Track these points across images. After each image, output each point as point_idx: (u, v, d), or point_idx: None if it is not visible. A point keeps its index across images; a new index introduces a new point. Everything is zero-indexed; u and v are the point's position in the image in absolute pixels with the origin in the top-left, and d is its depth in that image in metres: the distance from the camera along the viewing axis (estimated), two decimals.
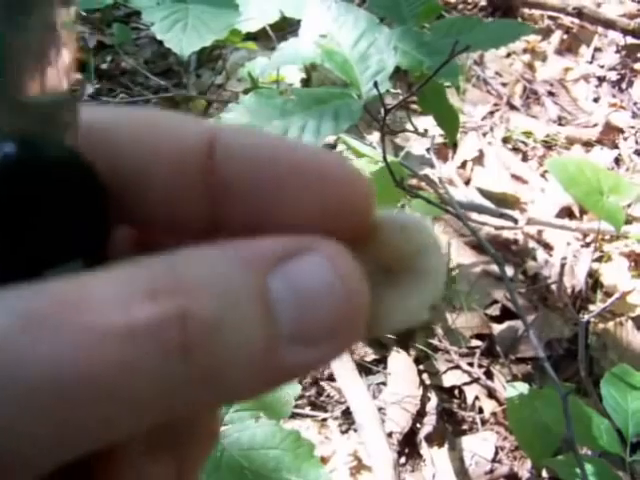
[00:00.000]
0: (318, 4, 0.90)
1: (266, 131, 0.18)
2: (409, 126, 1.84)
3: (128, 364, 0.16)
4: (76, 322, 0.16)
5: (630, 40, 2.40)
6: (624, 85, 2.30)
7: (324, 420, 1.34)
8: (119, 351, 0.16)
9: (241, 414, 1.02)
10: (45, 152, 0.19)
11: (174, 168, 0.21)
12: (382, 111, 0.86)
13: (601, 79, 2.32)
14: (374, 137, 1.81)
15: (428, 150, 1.85)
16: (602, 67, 2.37)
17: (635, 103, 2.21)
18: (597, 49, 2.45)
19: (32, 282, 0.17)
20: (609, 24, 2.37)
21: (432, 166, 1.75)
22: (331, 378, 1.37)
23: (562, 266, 0.94)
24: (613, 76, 2.33)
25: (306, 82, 1.61)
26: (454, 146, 1.95)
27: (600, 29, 2.46)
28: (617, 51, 2.42)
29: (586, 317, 1.12)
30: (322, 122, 0.80)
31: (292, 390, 1.04)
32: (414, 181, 1.60)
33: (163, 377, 0.17)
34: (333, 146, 1.54)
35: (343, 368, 1.00)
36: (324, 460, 1.26)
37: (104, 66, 2.14)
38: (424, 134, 1.34)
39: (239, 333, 0.17)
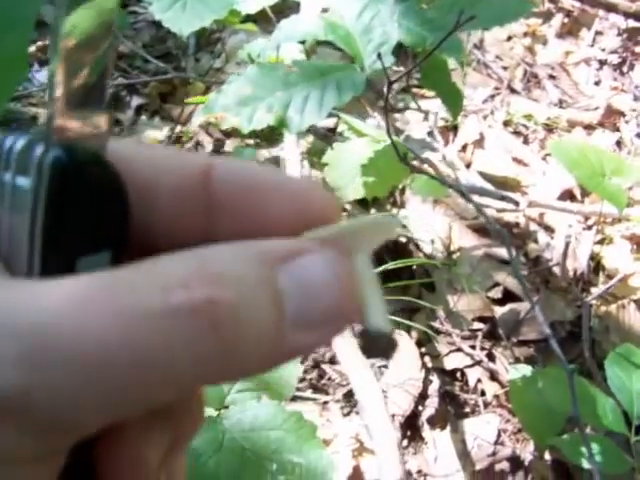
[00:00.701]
0: None
1: (254, 163, 0.24)
2: (412, 108, 1.83)
3: (167, 339, 0.20)
4: (123, 304, 0.20)
5: (631, 23, 2.38)
6: (625, 68, 2.28)
7: (325, 403, 1.33)
8: (159, 328, 0.20)
9: (243, 395, 1.01)
10: (85, 159, 0.23)
11: (177, 191, 0.26)
12: (385, 85, 0.84)
13: (602, 62, 2.31)
14: (375, 120, 1.79)
15: (429, 133, 1.84)
16: (603, 50, 2.35)
17: (636, 86, 2.19)
18: (598, 32, 2.44)
19: (69, 267, 0.22)
20: (610, 7, 2.35)
21: (433, 149, 1.74)
22: (332, 361, 1.36)
23: (567, 245, 0.93)
24: (614, 59, 2.31)
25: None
26: (455, 129, 1.94)
27: (601, 12, 2.44)
28: (618, 34, 2.41)
29: (590, 298, 1.11)
30: (325, 93, 0.78)
31: (293, 371, 1.03)
32: (415, 164, 1.58)
33: (196, 350, 0.21)
34: (334, 129, 1.53)
35: (346, 350, 0.99)
36: (326, 443, 1.25)
37: None
38: (426, 112, 1.33)
39: (254, 315, 0.21)
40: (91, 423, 0.21)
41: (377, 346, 0.26)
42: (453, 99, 1.10)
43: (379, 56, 0.73)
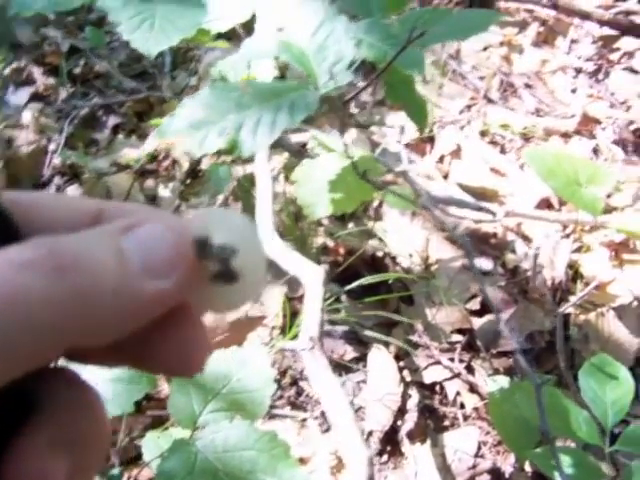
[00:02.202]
0: None
1: (142, 207, 0.30)
2: (386, 123, 1.83)
3: (23, 286, 0.23)
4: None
5: (606, 31, 2.39)
6: (601, 76, 2.29)
7: (304, 420, 1.32)
8: (16, 278, 0.24)
9: (215, 415, 1.00)
10: None
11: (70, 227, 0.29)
12: (354, 107, 0.84)
13: (578, 70, 2.32)
14: (351, 134, 1.79)
15: (405, 146, 1.84)
16: (579, 58, 2.36)
17: (612, 93, 2.20)
18: (573, 41, 2.45)
19: None
20: (584, 15, 2.37)
21: (409, 161, 1.74)
22: None
23: (535, 256, 0.93)
24: (590, 67, 2.32)
25: (280, 79, 1.60)
26: (432, 141, 1.94)
27: (576, 20, 2.45)
28: (593, 42, 2.42)
29: (563, 308, 1.11)
30: (278, 115, 0.78)
31: (267, 390, 1.02)
32: (390, 177, 1.58)
33: (48, 293, 0.24)
34: (305, 144, 1.53)
35: (315, 366, 0.99)
36: (304, 460, 1.25)
37: (77, 70, 2.12)
38: (390, 126, 1.32)
39: (97, 264, 0.25)
40: None
41: (224, 267, 0.29)
42: (418, 112, 1.10)
43: (331, 75, 0.73)
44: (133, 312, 0.27)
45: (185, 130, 0.76)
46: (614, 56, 2.35)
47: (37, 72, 2.08)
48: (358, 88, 0.94)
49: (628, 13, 2.43)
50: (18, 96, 2.00)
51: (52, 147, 1.88)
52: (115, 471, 1.11)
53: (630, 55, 2.34)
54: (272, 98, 0.79)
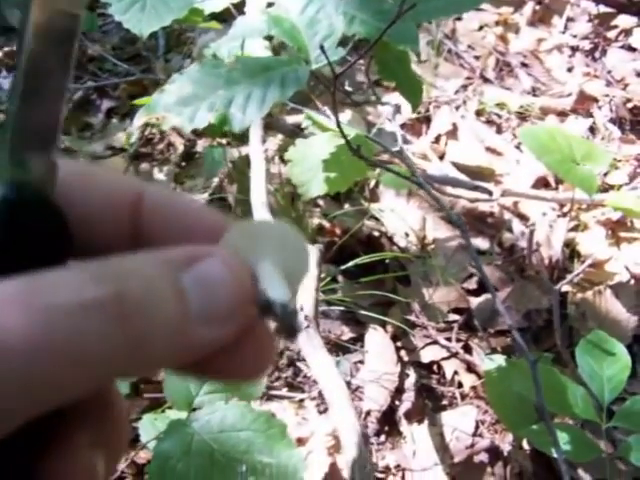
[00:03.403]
0: None
1: (182, 196, 0.33)
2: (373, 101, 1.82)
3: (81, 331, 0.22)
4: (43, 302, 0.22)
5: (602, 9, 2.37)
6: (597, 54, 2.28)
7: (301, 401, 1.32)
8: (74, 321, 0.22)
9: (211, 397, 1.00)
10: (32, 197, 0.25)
11: (109, 210, 0.29)
12: (348, 86, 0.83)
13: (574, 49, 2.30)
14: (346, 115, 1.78)
15: (401, 126, 1.83)
16: (575, 37, 2.35)
17: (609, 72, 2.19)
18: (570, 19, 2.43)
19: None
20: None
21: (404, 142, 1.73)
22: None
23: (531, 233, 0.92)
24: (586, 45, 2.31)
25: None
26: (427, 121, 1.93)
27: None
28: (589, 20, 2.40)
29: (560, 284, 1.11)
30: (268, 90, 0.77)
31: None
32: (386, 157, 1.57)
33: (106, 340, 0.23)
34: (300, 126, 1.52)
35: (311, 346, 0.98)
36: (302, 441, 1.25)
37: None
38: (385, 103, 1.31)
39: (159, 310, 0.24)
40: (13, 416, 0.22)
41: (282, 323, 0.27)
42: (412, 90, 1.09)
43: (322, 48, 0.72)
44: (185, 356, 0.26)
45: (174, 105, 0.76)
46: (611, 34, 2.33)
47: None
48: (353, 68, 0.93)
49: None
50: (10, 80, 1.99)
51: None
52: None
53: (627, 33, 2.32)
54: (262, 73, 0.78)
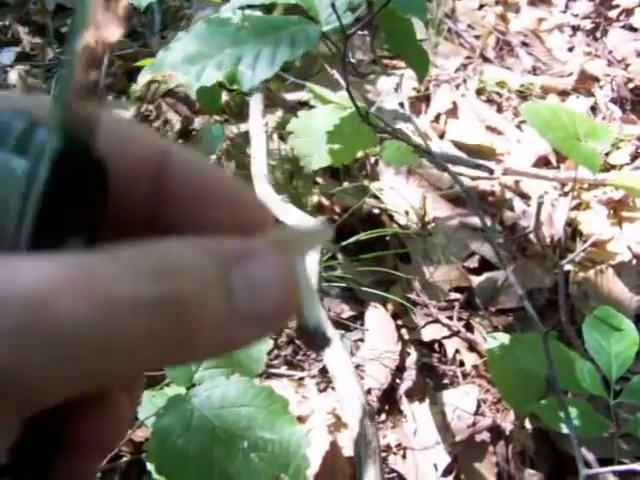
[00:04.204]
0: None
1: (206, 162, 0.31)
2: (382, 81, 1.79)
3: (139, 325, 0.23)
4: (104, 292, 0.22)
5: None
6: (598, 34, 2.26)
7: (301, 379, 1.31)
8: (131, 317, 0.22)
9: (211, 372, 0.98)
10: (81, 149, 0.25)
11: (137, 164, 0.29)
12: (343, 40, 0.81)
13: (575, 28, 2.28)
14: (346, 92, 1.76)
15: (401, 105, 1.81)
16: (576, 16, 2.33)
17: (610, 51, 2.17)
18: None
19: (55, 247, 0.24)
20: None
21: (406, 120, 1.71)
22: None
23: (539, 208, 0.90)
24: (587, 25, 2.29)
25: None
26: (427, 99, 1.91)
27: None
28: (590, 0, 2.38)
29: (565, 262, 1.09)
30: (278, 49, 0.75)
31: (263, 347, 1.00)
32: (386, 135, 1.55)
33: (162, 339, 0.23)
34: (304, 102, 1.50)
35: None
36: (302, 419, 1.23)
37: (64, 29, 2.06)
38: (389, 75, 1.29)
39: (209, 308, 0.24)
40: (58, 397, 0.22)
41: (313, 341, 0.28)
42: (419, 61, 1.06)
43: (333, 6, 0.70)
44: (224, 351, 0.27)
45: (181, 64, 0.73)
46: (612, 13, 2.31)
47: (22, 32, 2.03)
48: (360, 35, 0.90)
49: None
50: (4, 56, 1.95)
51: None
52: None
53: (629, 12, 2.31)
54: (271, 32, 0.75)
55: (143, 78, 0.76)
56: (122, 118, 0.31)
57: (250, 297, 0.25)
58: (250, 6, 0.92)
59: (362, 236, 1.39)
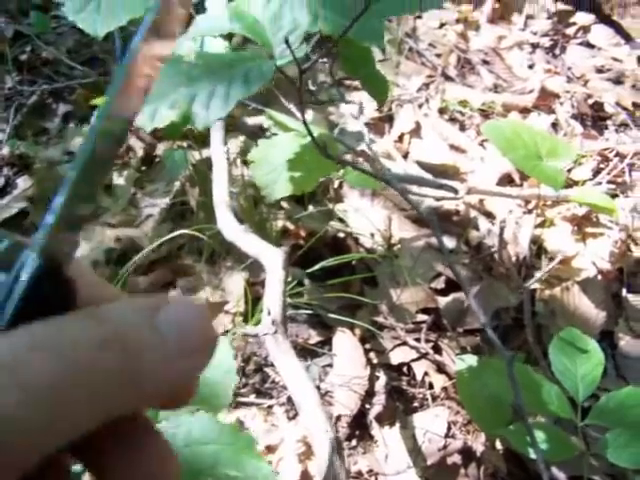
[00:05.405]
0: None
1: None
2: (344, 103, 1.79)
3: (95, 364, 0.26)
4: (62, 347, 0.26)
5: (560, 6, 2.39)
6: (557, 51, 2.29)
7: (270, 407, 1.29)
8: (87, 355, 0.26)
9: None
10: (55, 270, 0.30)
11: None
12: (311, 85, 0.81)
13: (535, 46, 2.31)
14: (309, 115, 1.76)
15: (366, 124, 1.81)
16: (535, 34, 2.36)
17: (569, 68, 2.20)
18: (529, 16, 2.44)
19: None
20: None
21: (370, 141, 1.71)
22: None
23: (502, 230, 0.90)
24: (546, 42, 2.31)
25: None
26: (390, 119, 1.91)
27: None
28: (549, 17, 2.41)
29: (528, 283, 1.09)
30: (231, 86, 0.74)
31: (229, 381, 0.99)
32: (350, 157, 1.55)
33: (115, 373, 0.27)
34: (261, 127, 1.49)
35: (279, 350, 0.95)
36: (272, 449, 1.22)
37: (23, 57, 2.04)
38: (349, 102, 1.29)
39: (146, 345, 0.28)
40: (37, 447, 0.25)
41: None
42: (377, 86, 1.06)
43: (287, 42, 0.69)
44: (168, 383, 0.29)
45: None
46: (570, 31, 2.34)
47: None
48: (316, 64, 0.90)
49: None
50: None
51: (0, 137, 1.82)
52: (77, 468, 1.07)
53: (585, 30, 2.34)
54: (224, 69, 0.75)
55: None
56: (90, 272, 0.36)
57: (177, 333, 0.29)
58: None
59: (329, 262, 1.39)
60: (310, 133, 0.82)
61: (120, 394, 0.27)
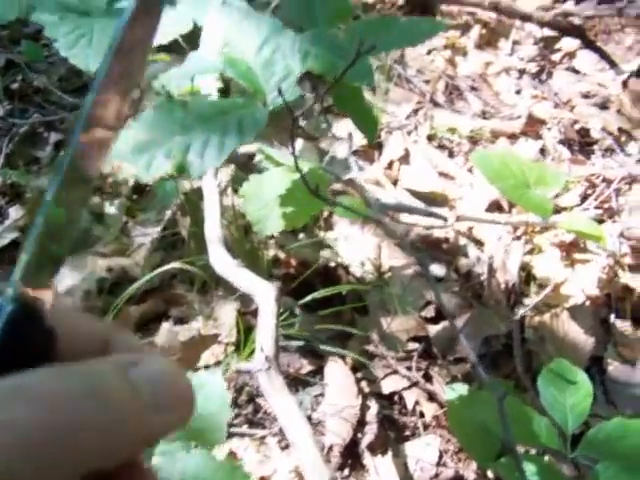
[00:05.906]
0: (219, 10, 0.86)
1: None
2: (333, 130, 1.81)
3: (76, 412, 0.28)
4: (42, 392, 0.28)
5: (547, 32, 2.42)
6: (544, 76, 2.32)
7: (263, 438, 1.30)
8: (68, 405, 0.28)
9: (172, 446, 0.97)
10: (33, 315, 0.31)
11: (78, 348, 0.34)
12: (301, 118, 0.82)
13: (521, 71, 2.33)
14: (298, 144, 1.77)
15: (353, 153, 1.83)
16: (522, 60, 2.38)
17: (556, 93, 2.22)
18: (516, 42, 2.47)
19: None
20: (525, 17, 2.39)
21: (360, 169, 1.73)
22: None
23: (490, 265, 0.92)
24: (533, 68, 2.34)
25: (224, 92, 1.57)
26: (379, 147, 1.93)
27: (517, 22, 2.48)
28: (535, 43, 2.44)
29: (519, 313, 1.11)
30: (225, 135, 0.76)
31: (223, 416, 0.99)
32: (339, 186, 1.57)
33: (95, 424, 0.28)
34: (252, 156, 1.51)
35: (272, 387, 0.96)
36: (265, 479, 1.22)
37: (14, 86, 2.05)
38: (339, 138, 1.31)
39: (122, 399, 0.29)
40: None
41: None
42: (367, 123, 1.08)
43: (280, 91, 0.71)
44: (145, 441, 0.31)
45: (129, 154, 0.74)
46: (556, 57, 2.37)
47: None
48: (306, 100, 0.92)
49: (566, 15, 2.46)
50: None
51: None
52: None
53: (571, 55, 2.37)
54: (218, 117, 0.76)
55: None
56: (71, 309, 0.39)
57: (152, 389, 0.30)
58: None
59: (320, 293, 1.40)
60: (302, 176, 0.84)
61: (98, 445, 0.28)
